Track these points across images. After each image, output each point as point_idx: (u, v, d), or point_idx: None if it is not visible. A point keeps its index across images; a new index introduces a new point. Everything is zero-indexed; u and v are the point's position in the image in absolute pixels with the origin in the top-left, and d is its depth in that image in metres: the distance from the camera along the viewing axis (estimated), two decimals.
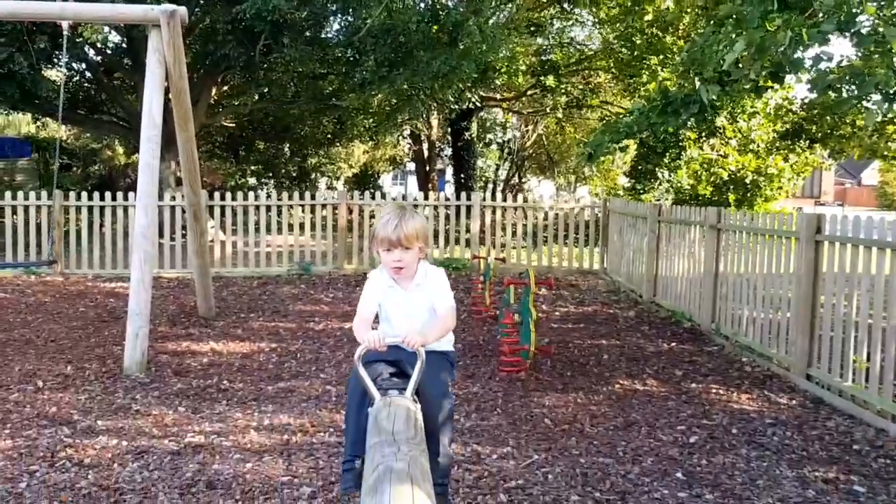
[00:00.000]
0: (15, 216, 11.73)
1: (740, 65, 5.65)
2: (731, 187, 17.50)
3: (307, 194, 12.84)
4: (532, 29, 16.75)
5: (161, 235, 11.98)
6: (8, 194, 11.76)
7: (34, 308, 9.00)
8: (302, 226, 12.99)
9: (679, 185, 17.65)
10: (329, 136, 22.57)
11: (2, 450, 4.52)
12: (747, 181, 17.23)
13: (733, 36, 6.02)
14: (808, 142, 14.45)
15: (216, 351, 7.16)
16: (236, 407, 5.47)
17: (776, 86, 7.65)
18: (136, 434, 4.84)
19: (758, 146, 17.04)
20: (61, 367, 6.46)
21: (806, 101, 14.76)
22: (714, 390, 6.09)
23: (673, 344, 7.76)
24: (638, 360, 7.03)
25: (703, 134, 16.63)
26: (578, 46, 18.72)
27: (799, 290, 6.53)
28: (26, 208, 11.66)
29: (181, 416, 5.25)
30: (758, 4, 5.35)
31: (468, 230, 12.86)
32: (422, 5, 14.63)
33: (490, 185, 27.26)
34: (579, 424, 5.16)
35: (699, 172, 17.67)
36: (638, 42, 14.58)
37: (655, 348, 7.56)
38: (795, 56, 5.05)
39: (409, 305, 2.90)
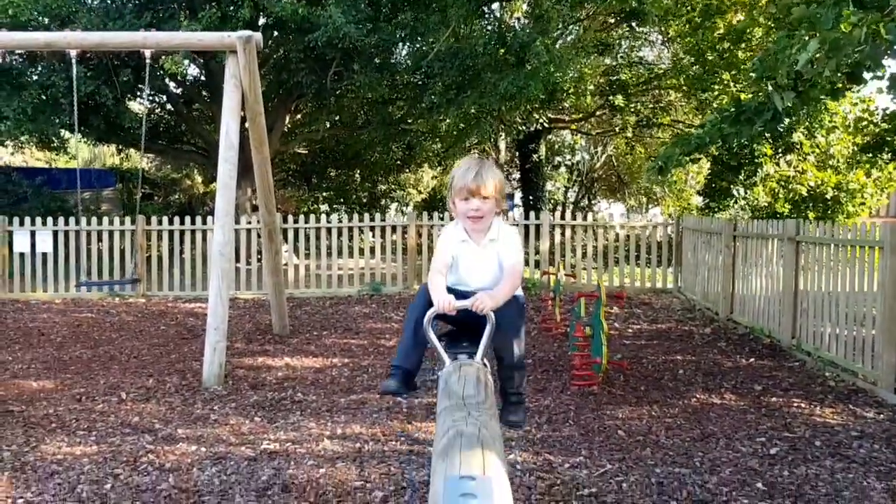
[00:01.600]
0: (100, 242, 12.25)
1: (814, 65, 5.51)
2: (811, 204, 16.97)
3: (377, 216, 13.02)
4: (600, 48, 16.69)
5: (237, 259, 12.30)
6: (94, 220, 12.29)
7: (118, 327, 9.35)
8: (372, 249, 13.17)
9: (755, 202, 17.23)
10: (398, 161, 22.86)
11: (88, 454, 4.70)
12: (827, 197, 16.70)
13: (806, 38, 5.89)
14: (891, 154, 13.90)
15: (290, 366, 7.29)
16: (310, 417, 5.55)
17: (854, 87, 7.42)
18: (214, 441, 4.96)
19: (837, 161, 16.52)
20: (143, 380, 6.68)
21: (888, 111, 14.25)
22: (795, 404, 5.87)
23: (751, 360, 7.53)
24: (715, 375, 6.84)
25: (780, 150, 16.21)
26: (648, 65, 18.55)
27: (885, 302, 6.27)
28: (111, 233, 12.16)
29: (257, 425, 5.36)
30: (832, 6, 5.23)
31: (537, 251, 12.80)
32: (488, 28, 14.77)
33: (559, 208, 27.09)
34: (654, 436, 5.05)
35: (776, 189, 17.22)
36: (709, 57, 14.36)
37: (733, 364, 7.35)
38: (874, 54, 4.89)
39: (480, 260, 2.86)
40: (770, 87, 5.94)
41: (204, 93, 16.97)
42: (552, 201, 27.80)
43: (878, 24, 4.45)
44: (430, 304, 2.69)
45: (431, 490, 1.60)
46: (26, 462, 4.56)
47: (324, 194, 27.18)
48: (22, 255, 11.92)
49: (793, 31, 6.24)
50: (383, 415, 5.60)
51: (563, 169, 27.93)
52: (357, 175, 25.49)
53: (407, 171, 25.84)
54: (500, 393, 2.85)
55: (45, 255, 11.89)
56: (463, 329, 2.86)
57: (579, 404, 5.86)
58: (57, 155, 21.92)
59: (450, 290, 2.78)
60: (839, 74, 5.36)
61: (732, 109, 6.97)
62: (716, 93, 14.67)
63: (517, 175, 25.70)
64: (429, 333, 2.61)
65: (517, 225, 13.01)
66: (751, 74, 6.91)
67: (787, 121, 7.45)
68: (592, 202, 28.77)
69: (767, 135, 12.04)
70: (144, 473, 4.37)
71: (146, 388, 6.43)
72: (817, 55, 5.01)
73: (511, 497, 1.55)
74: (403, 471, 4.35)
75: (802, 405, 5.85)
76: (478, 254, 2.86)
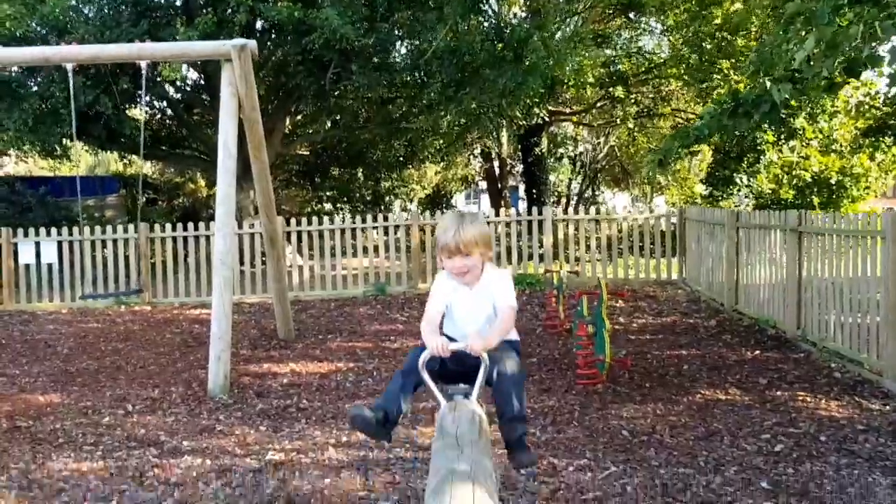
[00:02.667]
0: (105, 249, 12.29)
1: (811, 62, 5.48)
2: (815, 189, 16.94)
3: (380, 216, 13.02)
4: (599, 40, 16.63)
5: (241, 262, 12.35)
6: (98, 228, 12.33)
7: (124, 336, 9.38)
8: (376, 248, 13.17)
9: (759, 189, 17.18)
10: (401, 158, 22.83)
11: (95, 470, 4.72)
12: (832, 182, 16.65)
13: (803, 33, 5.86)
14: (894, 137, 13.84)
15: (296, 372, 7.31)
16: (315, 425, 5.57)
17: (852, 81, 7.38)
18: (219, 453, 4.98)
19: (841, 146, 16.46)
20: (149, 391, 6.71)
21: (890, 95, 14.20)
22: (801, 398, 5.86)
23: (757, 352, 7.51)
24: (720, 370, 6.83)
25: (782, 136, 16.15)
26: (647, 55, 18.48)
27: (888, 291, 6.24)
28: (114, 241, 12.20)
29: (262, 434, 5.38)
30: (827, 0, 5.20)
31: (541, 245, 12.79)
32: (486, 24, 14.72)
33: (563, 200, 27.06)
34: (658, 435, 5.05)
35: (780, 176, 17.17)
36: (708, 47, 14.30)
37: (738, 357, 7.33)
38: (871, 51, 4.85)
39: (473, 305, 2.90)
40: (768, 83, 5.90)
41: (203, 96, 16.98)
42: (556, 193, 27.76)
43: (874, 21, 4.42)
44: (416, 366, 2.73)
45: None
46: (33, 480, 4.58)
47: (327, 193, 27.16)
48: (27, 266, 11.97)
49: (788, 23, 6.21)
50: None
51: (566, 161, 27.86)
52: (360, 173, 25.46)
53: (410, 167, 25.81)
54: (505, 443, 2.85)
55: (50, 265, 11.94)
56: (458, 376, 2.89)
57: (584, 403, 5.86)
58: (60, 163, 21.96)
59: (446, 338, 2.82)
60: (836, 71, 5.33)
61: (730, 103, 6.94)
62: (715, 82, 14.61)
63: (520, 168, 25.67)
64: (423, 375, 2.66)
65: (520, 223, 13.01)
66: (749, 68, 6.86)
67: (784, 112, 7.39)
68: (597, 193, 28.71)
69: (767, 124, 11.99)
70: (150, 489, 4.39)
71: (152, 399, 6.45)
72: (814, 51, 4.98)
73: None
74: (408, 479, 4.36)
75: (808, 398, 5.84)
76: (471, 298, 2.91)
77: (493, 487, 1.75)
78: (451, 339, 2.78)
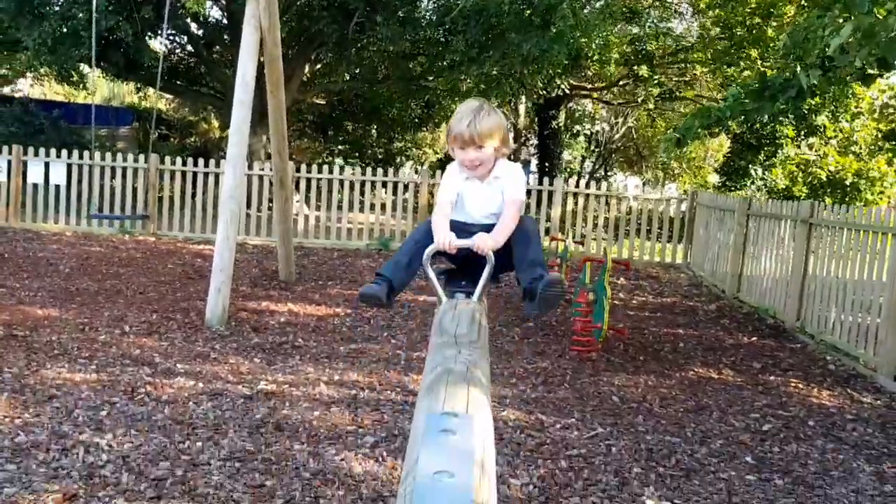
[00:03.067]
0: (114, 178, 12.27)
1: (846, 51, 5.39)
2: (829, 189, 16.83)
3: (391, 172, 12.96)
4: (628, 16, 16.41)
5: (248, 205, 12.32)
6: (108, 155, 12.30)
7: (126, 262, 9.40)
8: (383, 206, 13.14)
9: (773, 184, 17.08)
10: (416, 119, 22.73)
11: (87, 382, 4.76)
12: (847, 184, 16.53)
13: (840, 20, 5.75)
14: None
15: (293, 312, 7.33)
16: (309, 363, 5.59)
17: (885, 74, 7.28)
18: (211, 378, 5.01)
19: (860, 147, 16.32)
20: (147, 315, 6.74)
21: None
22: (793, 384, 5.87)
23: (753, 338, 7.52)
24: (715, 351, 6.84)
25: (802, 132, 16.02)
26: (675, 37, 18.25)
27: (893, 289, 6.22)
28: (124, 170, 12.18)
29: (256, 366, 5.41)
30: None
31: (549, 217, 12.74)
32: None
33: (575, 177, 26.93)
34: (648, 404, 5.07)
35: (795, 173, 17.06)
36: (738, 32, 14.10)
37: (734, 341, 7.34)
38: None
39: (483, 197, 2.80)
40: (798, 68, 5.81)
41: (225, 36, 16.86)
42: (568, 170, 27.61)
43: None
44: (430, 234, 2.63)
45: (413, 424, 1.60)
46: (26, 384, 4.62)
47: (339, 147, 27.08)
48: (35, 185, 11.98)
49: (825, 9, 6.11)
50: (381, 365, 5.63)
51: (581, 138, 27.68)
52: (374, 130, 25.37)
53: (424, 129, 25.69)
54: (525, 292, 2.65)
55: (58, 187, 11.94)
56: (462, 268, 2.80)
57: (576, 369, 5.88)
58: (76, 90, 21.87)
59: (454, 226, 2.73)
60: (870, 60, 5.25)
61: (756, 84, 6.84)
62: (742, 68, 14.43)
63: (535, 141, 25.52)
64: (427, 269, 2.55)
65: (529, 192, 12.96)
66: (779, 50, 6.76)
67: (810, 100, 7.29)
68: (608, 174, 28.56)
69: (790, 115, 11.87)
70: (141, 403, 4.42)
71: (149, 322, 6.48)
72: (850, 40, 4.90)
73: (493, 439, 1.55)
74: (396, 419, 4.39)
75: (800, 386, 5.85)
76: (482, 190, 2.81)
77: (488, 391, 1.74)
78: (461, 233, 2.70)
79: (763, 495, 3.73)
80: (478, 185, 2.80)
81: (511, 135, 2.93)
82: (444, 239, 2.57)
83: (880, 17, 5.23)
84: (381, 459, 3.81)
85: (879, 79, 8.42)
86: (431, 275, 2.54)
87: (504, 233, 2.66)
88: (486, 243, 2.53)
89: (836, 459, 4.28)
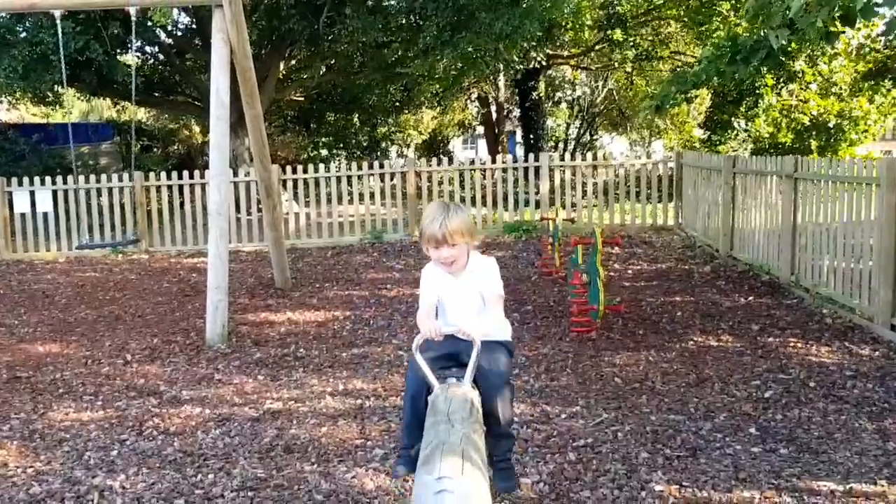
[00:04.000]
0: (100, 197, 12.25)
1: (807, 12, 5.39)
2: (814, 133, 16.80)
3: (376, 164, 12.93)
4: None
5: (238, 210, 12.32)
6: (93, 177, 12.27)
7: (122, 286, 9.42)
8: (372, 195, 13.13)
9: (757, 133, 17.06)
10: (397, 104, 22.60)
11: (95, 420, 4.80)
12: (830, 125, 16.51)
13: None
14: (893, 81, 13.69)
15: (293, 320, 7.37)
16: (312, 374, 5.64)
17: (847, 30, 7.27)
18: (218, 402, 5.06)
19: (840, 89, 16.29)
20: (148, 340, 6.77)
21: (890, 39, 13.98)
22: (792, 344, 5.93)
23: (750, 298, 7.57)
24: (713, 316, 6.90)
25: (781, 80, 15.98)
26: None
27: (881, 238, 6.27)
28: (110, 190, 12.15)
29: (260, 383, 5.46)
30: None
31: (538, 191, 12.76)
32: None
33: (561, 145, 26.89)
34: (650, 382, 5.13)
35: (778, 120, 17.03)
36: None
37: (731, 303, 7.39)
38: (865, 2, 4.77)
39: (461, 294, 2.97)
40: (764, 31, 5.82)
41: (196, 41, 16.70)
42: (553, 138, 27.57)
43: None
44: (422, 380, 2.77)
45: (413, 498, 1.65)
46: (35, 430, 4.66)
47: (324, 139, 26.95)
48: (23, 215, 11.95)
49: None
50: (384, 369, 5.69)
51: (563, 105, 27.60)
52: (356, 119, 25.23)
53: (406, 112, 25.57)
54: (488, 461, 2.80)
55: (45, 214, 11.91)
56: (451, 361, 2.94)
57: (577, 351, 5.93)
58: (53, 110, 21.71)
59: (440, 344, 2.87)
60: (832, 19, 5.25)
61: (728, 48, 6.85)
62: (714, 24, 14.37)
63: (517, 113, 25.44)
64: (417, 357, 2.72)
65: (517, 169, 12.96)
66: (746, 13, 6.75)
67: (783, 56, 7.29)
68: (594, 137, 28.52)
69: (766, 69, 11.85)
70: (150, 438, 4.47)
71: (151, 348, 6.52)
72: (809, 1, 4.91)
73: (490, 500, 1.59)
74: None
75: (799, 344, 5.91)
76: (459, 288, 2.98)
77: (483, 460, 1.79)
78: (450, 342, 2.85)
79: (769, 467, 3.79)
80: (453, 282, 2.99)
81: (474, 225, 3.09)
82: (432, 327, 2.76)
83: None
84: (391, 473, 3.86)
85: (843, 34, 8.38)
86: (422, 362, 2.71)
87: (489, 322, 2.86)
88: (471, 329, 2.72)
89: (839, 421, 4.34)
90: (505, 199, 12.68)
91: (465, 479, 1.52)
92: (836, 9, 5.06)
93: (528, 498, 3.57)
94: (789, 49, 7.24)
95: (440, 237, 2.85)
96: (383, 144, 28.54)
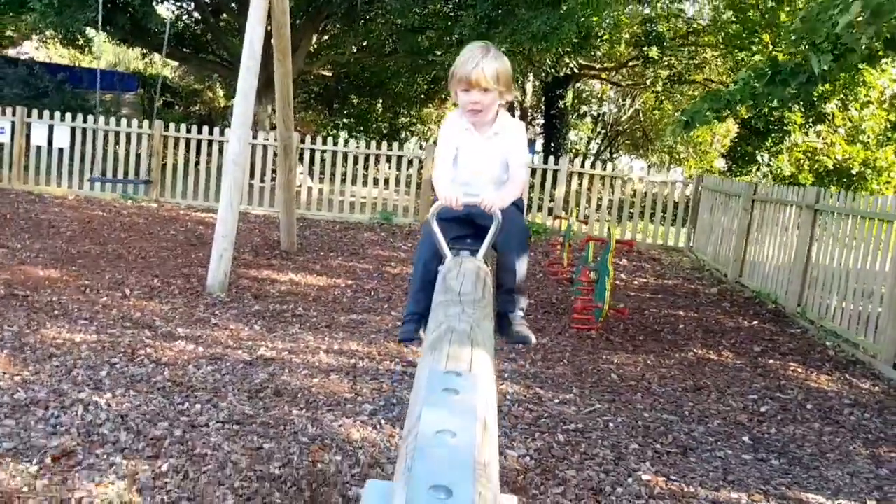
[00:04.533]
0: (117, 143, 12.23)
1: (854, 30, 5.34)
2: (835, 178, 16.72)
3: (395, 146, 12.88)
4: None
5: (252, 175, 12.29)
6: (112, 120, 12.25)
7: (128, 227, 9.39)
8: (387, 180, 13.08)
9: (779, 170, 16.99)
10: (422, 95, 22.62)
11: (87, 342, 4.76)
12: (853, 173, 16.43)
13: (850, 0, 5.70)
14: None
15: (294, 281, 7.33)
16: (309, 331, 5.59)
17: (888, 70, 7.20)
18: (211, 343, 5.02)
19: (868, 136, 16.20)
20: (148, 279, 6.73)
21: None
22: (792, 368, 5.87)
23: (754, 322, 7.51)
24: (715, 333, 6.84)
25: (811, 119, 15.90)
26: (687, 19, 18.09)
27: (894, 276, 6.20)
28: (128, 136, 12.13)
29: (256, 332, 5.41)
30: None
31: (552, 197, 12.71)
32: None
33: (580, 158, 26.81)
34: (647, 382, 5.07)
35: (801, 160, 16.95)
36: (751, 15, 13.96)
37: (735, 324, 7.33)
38: None
39: (482, 154, 2.73)
40: (809, 51, 5.76)
41: (232, 3, 16.71)
42: (574, 150, 27.49)
43: None
44: (434, 246, 2.54)
45: (416, 381, 1.59)
46: (26, 343, 4.62)
47: (344, 121, 26.98)
48: (39, 148, 11.93)
49: None
50: (381, 336, 5.64)
51: (588, 119, 27.55)
52: (379, 105, 25.27)
53: (430, 105, 25.57)
54: (498, 315, 2.65)
55: (61, 150, 11.89)
56: (466, 228, 2.74)
57: (576, 346, 5.88)
58: (82, 54, 21.75)
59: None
60: (876, 42, 5.20)
61: (767, 69, 6.79)
62: (753, 53, 14.31)
63: (541, 121, 25.38)
64: (433, 225, 2.50)
65: (534, 171, 12.90)
66: (790, 35, 6.69)
67: (821, 87, 7.22)
68: (614, 155, 28.45)
69: (801, 101, 11.78)
70: (140, 365, 4.42)
71: (150, 287, 6.48)
72: (858, 18, 4.85)
73: (496, 398, 1.54)
74: (395, 389, 4.39)
75: (799, 370, 5.85)
76: (481, 146, 2.72)
77: (492, 350, 1.74)
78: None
79: (759, 474, 3.74)
80: (477, 139, 2.72)
81: (512, 77, 2.78)
82: (451, 196, 2.52)
83: None
84: (379, 427, 3.82)
85: (887, 60, 8.31)
86: (437, 231, 2.48)
87: (510, 197, 2.61)
88: (493, 201, 2.48)
89: (833, 442, 4.29)
90: None
91: (474, 375, 1.46)
92: (884, 30, 5.01)
93: (512, 469, 3.52)
94: (828, 79, 7.16)
95: (473, 79, 2.56)
96: (403, 134, 28.54)
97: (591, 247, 6.91)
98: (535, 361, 5.31)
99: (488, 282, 2.33)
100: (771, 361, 6.01)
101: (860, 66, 6.89)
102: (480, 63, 2.57)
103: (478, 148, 2.72)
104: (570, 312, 6.67)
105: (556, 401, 4.50)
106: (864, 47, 5.41)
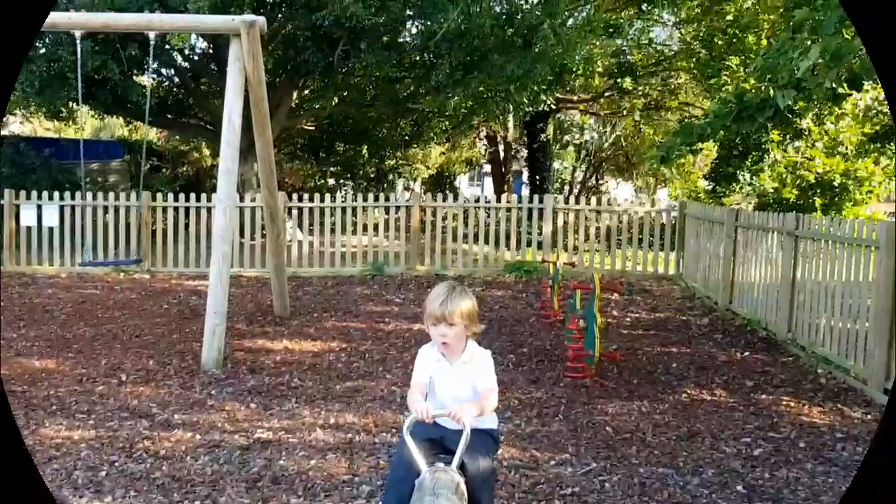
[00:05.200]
0: (107, 215, 12.35)
1: (815, 73, 5.49)
2: (818, 191, 16.89)
3: (381, 196, 13.05)
4: (610, 30, 16.54)
5: (242, 235, 12.42)
6: (100, 195, 12.39)
7: (122, 305, 9.46)
8: (376, 226, 13.22)
9: (762, 188, 17.16)
10: (406, 138, 22.80)
11: (86, 439, 4.82)
12: (835, 184, 16.60)
13: (808, 43, 5.86)
14: None
15: (289, 349, 7.40)
16: (305, 405, 5.65)
17: (854, 93, 7.39)
18: (209, 428, 5.07)
19: (846, 148, 16.41)
20: (144, 361, 6.80)
21: None
22: (784, 402, 5.94)
23: (746, 353, 7.59)
24: (708, 370, 6.91)
25: (788, 136, 16.11)
26: (658, 47, 18.39)
27: (878, 300, 6.31)
28: (116, 209, 12.26)
29: (252, 412, 5.47)
30: (834, 10, 5.20)
31: (541, 232, 12.85)
32: (497, 9, 14.64)
33: (566, 187, 27.04)
34: (641, 433, 5.13)
35: (783, 175, 17.13)
36: (719, 42, 14.24)
37: (727, 357, 7.41)
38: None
39: (455, 380, 3.01)
40: (772, 91, 5.92)
41: (211, 66, 16.92)
42: (560, 180, 27.73)
43: None
44: (408, 463, 2.79)
45: None
46: (26, 446, 4.66)
47: (332, 168, 27.15)
48: (28, 228, 12.04)
49: (795, 30, 6.22)
50: (377, 404, 5.70)
51: (571, 148, 27.82)
52: (365, 150, 25.43)
53: (415, 147, 25.77)
54: None
55: (51, 228, 12.00)
56: (437, 449, 2.98)
57: (570, 397, 5.94)
58: (66, 125, 21.93)
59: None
60: (837, 86, 5.35)
61: (734, 105, 6.96)
62: (723, 79, 14.57)
63: (525, 153, 25.63)
64: (406, 438, 2.77)
65: (521, 209, 13.03)
66: (755, 71, 6.87)
67: (790, 113, 7.37)
68: (600, 182, 28.69)
69: (771, 126, 11.99)
70: (139, 461, 4.48)
71: (146, 369, 6.54)
72: (819, 61, 5.01)
73: None
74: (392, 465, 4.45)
75: (791, 403, 5.92)
76: (453, 374, 3.01)
77: None
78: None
79: None
80: (447, 368, 3.02)
81: (477, 312, 3.16)
82: (422, 409, 2.79)
83: (847, 39, 5.33)
84: None
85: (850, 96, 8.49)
86: (411, 443, 2.76)
87: (478, 410, 2.87)
88: (461, 412, 2.75)
89: (826, 483, 4.35)
90: (507, 238, 12.76)
91: None
92: (844, 72, 5.16)
93: None
94: (796, 108, 7.33)
95: (440, 315, 2.91)
96: (390, 177, 28.72)
97: (578, 294, 7.00)
98: (531, 419, 5.38)
99: (462, 487, 2.60)
100: (763, 397, 6.08)
101: (824, 103, 7.04)
102: (446, 301, 2.92)
103: (450, 375, 3.03)
104: (564, 360, 6.74)
105: (553, 462, 4.56)
106: (827, 89, 5.55)
